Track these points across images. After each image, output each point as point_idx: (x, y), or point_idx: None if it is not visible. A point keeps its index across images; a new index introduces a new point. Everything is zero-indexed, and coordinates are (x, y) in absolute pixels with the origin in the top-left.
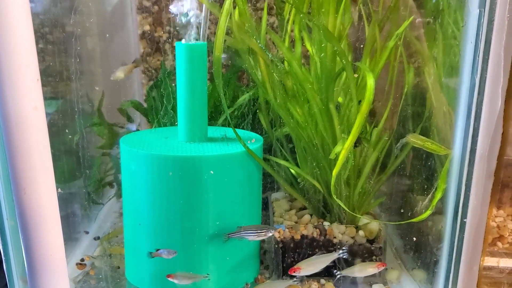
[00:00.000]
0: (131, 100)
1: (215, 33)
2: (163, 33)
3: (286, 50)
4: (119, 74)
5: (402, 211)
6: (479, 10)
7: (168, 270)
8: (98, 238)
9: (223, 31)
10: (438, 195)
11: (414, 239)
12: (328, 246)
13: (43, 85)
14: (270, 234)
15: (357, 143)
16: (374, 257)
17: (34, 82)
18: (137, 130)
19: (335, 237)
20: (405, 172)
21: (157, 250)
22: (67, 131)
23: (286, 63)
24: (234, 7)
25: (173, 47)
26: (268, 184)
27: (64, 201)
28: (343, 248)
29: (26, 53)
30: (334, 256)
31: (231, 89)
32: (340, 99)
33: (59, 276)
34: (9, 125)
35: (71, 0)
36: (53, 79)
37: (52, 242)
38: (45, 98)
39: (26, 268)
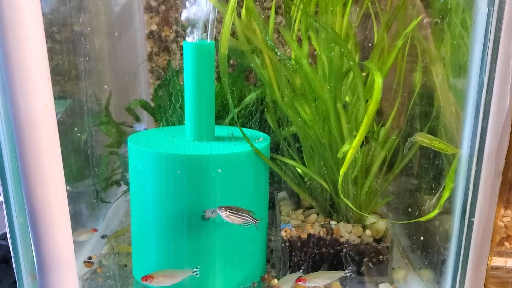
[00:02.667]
0: (138, 99)
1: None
2: (170, 32)
3: (296, 47)
4: None
5: (409, 210)
6: (488, 9)
7: (175, 268)
8: (106, 236)
9: (229, 28)
10: (446, 194)
11: (422, 238)
12: (335, 245)
13: (52, 84)
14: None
15: (365, 142)
16: (381, 256)
17: (44, 80)
18: (144, 129)
19: (342, 236)
20: (412, 171)
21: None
22: (76, 129)
23: (293, 61)
24: (241, 7)
25: (180, 47)
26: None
27: (72, 199)
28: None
29: (36, 51)
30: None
31: (238, 88)
32: (347, 98)
33: (68, 273)
34: (19, 123)
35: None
36: (62, 78)
37: (61, 240)
38: (54, 97)
39: (36, 265)
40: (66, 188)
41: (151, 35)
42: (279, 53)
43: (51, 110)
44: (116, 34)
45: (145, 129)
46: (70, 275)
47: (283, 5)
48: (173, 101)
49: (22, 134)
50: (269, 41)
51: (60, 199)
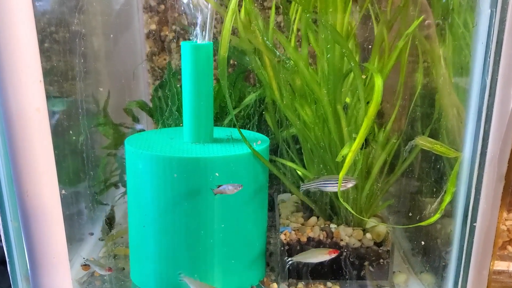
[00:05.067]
0: (136, 101)
1: (220, 32)
2: (169, 32)
3: (292, 50)
4: None
5: (410, 214)
6: (491, 10)
7: (173, 272)
8: (103, 239)
9: (229, 30)
10: (447, 198)
11: (423, 242)
12: (334, 248)
13: (52, 84)
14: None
15: (365, 144)
16: (381, 260)
17: (36, 84)
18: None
19: (342, 240)
20: (413, 174)
21: (219, 186)
22: (71, 132)
23: (292, 63)
24: (240, 6)
25: (179, 47)
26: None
27: (70, 202)
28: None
29: (28, 54)
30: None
31: (238, 89)
32: (347, 100)
33: (62, 278)
34: (12, 127)
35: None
36: (59, 79)
37: (55, 245)
38: (54, 97)
39: (29, 270)
40: (61, 191)
41: (150, 35)
42: (278, 54)
43: (44, 113)
44: (115, 34)
45: (141, 130)
46: (64, 280)
47: (281, 6)
48: (170, 103)
49: (14, 138)
50: (267, 42)
51: (54, 203)
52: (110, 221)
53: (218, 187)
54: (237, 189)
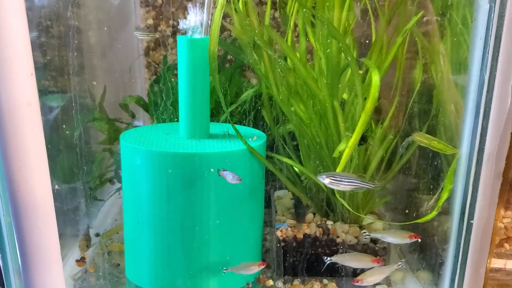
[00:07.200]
0: (132, 96)
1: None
2: (167, 27)
3: (286, 47)
4: None
5: (407, 211)
6: (490, 5)
7: (168, 269)
8: (99, 234)
9: (218, 25)
10: (445, 196)
11: (419, 240)
12: (331, 245)
13: (48, 79)
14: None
15: (362, 141)
16: (378, 258)
17: (28, 76)
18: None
19: (338, 237)
20: (410, 171)
21: (224, 170)
22: (64, 126)
23: (289, 59)
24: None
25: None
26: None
27: (65, 197)
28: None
29: (19, 46)
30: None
31: (234, 84)
32: (345, 96)
33: (54, 274)
34: (2, 121)
35: None
36: (56, 73)
37: (46, 240)
38: (49, 93)
39: (20, 266)
40: (55, 187)
41: (147, 29)
42: (270, 53)
43: (36, 107)
44: (112, 28)
45: (136, 126)
46: (56, 276)
47: (278, 0)
48: (164, 98)
49: (5, 132)
50: (258, 42)
51: (46, 198)
52: (86, 240)
53: (224, 170)
54: (235, 181)
